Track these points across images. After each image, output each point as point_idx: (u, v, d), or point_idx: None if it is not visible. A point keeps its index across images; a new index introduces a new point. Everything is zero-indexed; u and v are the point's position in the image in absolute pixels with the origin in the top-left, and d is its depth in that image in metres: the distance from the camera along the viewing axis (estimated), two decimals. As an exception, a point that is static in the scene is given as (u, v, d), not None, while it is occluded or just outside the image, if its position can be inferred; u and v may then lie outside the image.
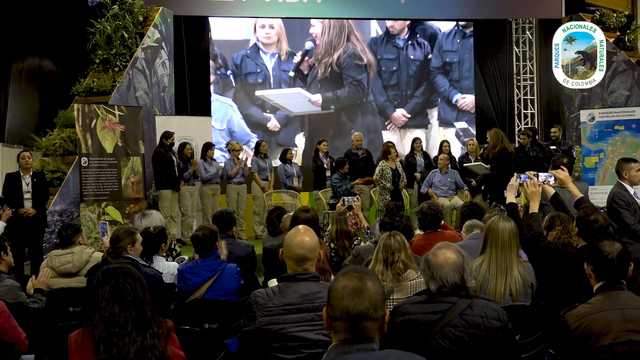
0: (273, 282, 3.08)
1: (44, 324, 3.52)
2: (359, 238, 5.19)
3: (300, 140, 11.61)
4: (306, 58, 11.51)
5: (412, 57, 11.92)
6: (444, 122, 12.12)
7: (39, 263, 5.86)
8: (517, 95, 12.72)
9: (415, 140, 9.89)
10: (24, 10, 9.54)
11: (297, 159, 10.93)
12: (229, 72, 11.26)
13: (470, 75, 12.22)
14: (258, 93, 11.31)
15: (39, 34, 9.89)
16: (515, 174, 4.17)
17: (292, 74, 11.43)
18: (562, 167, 4.45)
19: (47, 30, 9.87)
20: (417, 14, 11.55)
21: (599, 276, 2.62)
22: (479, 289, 3.26)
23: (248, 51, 11.26)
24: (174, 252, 5.01)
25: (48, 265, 4.44)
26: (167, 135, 8.42)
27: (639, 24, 11.28)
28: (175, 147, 8.61)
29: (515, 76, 12.76)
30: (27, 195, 6.81)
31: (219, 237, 4.28)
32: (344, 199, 6.31)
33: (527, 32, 12.67)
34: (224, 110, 11.24)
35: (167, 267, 4.40)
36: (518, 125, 12.60)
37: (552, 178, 4.21)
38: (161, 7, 9.72)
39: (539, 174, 4.20)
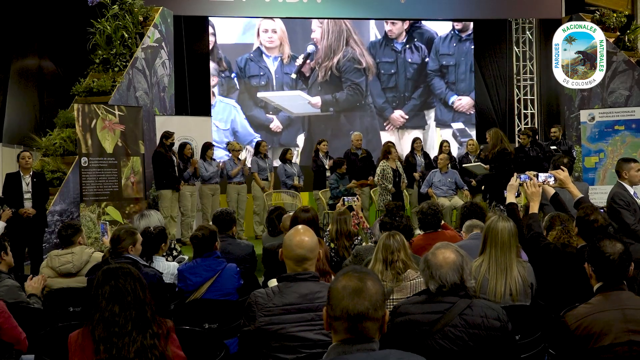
0: (273, 282, 3.08)
1: (44, 324, 3.52)
2: (359, 238, 5.19)
3: (300, 140, 11.71)
4: (308, 61, 11.60)
5: (409, 60, 12.17)
6: (441, 123, 12.34)
7: (39, 263, 5.86)
8: (517, 95, 12.73)
9: (415, 141, 9.90)
10: (24, 10, 9.53)
11: (297, 159, 10.99)
12: (233, 74, 11.44)
13: (466, 78, 12.38)
14: (260, 95, 11.49)
15: (39, 34, 9.88)
16: (515, 174, 4.17)
17: (294, 76, 11.60)
18: (562, 167, 4.45)
19: (47, 30, 9.87)
20: (417, 14, 11.60)
21: (600, 276, 2.61)
22: (479, 289, 3.26)
23: (251, 55, 11.48)
24: (174, 252, 5.01)
25: (48, 265, 4.44)
26: (167, 135, 8.42)
27: (639, 24, 11.28)
28: (175, 147, 8.61)
29: (515, 76, 12.76)
30: (27, 195, 6.81)
31: (219, 237, 4.28)
32: (344, 199, 6.31)
33: (527, 32, 12.67)
34: (228, 110, 11.42)
35: (167, 267, 4.41)
36: (518, 125, 12.60)
37: (552, 178, 4.20)
38: (161, 7, 9.72)
39: (539, 174, 4.19)
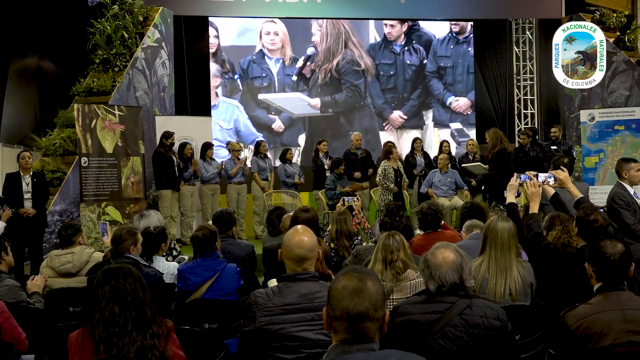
0: (273, 282, 3.07)
1: (44, 324, 3.52)
2: (359, 238, 5.19)
3: (301, 140, 11.78)
4: (308, 63, 11.68)
5: (408, 62, 12.28)
6: (439, 123, 12.45)
7: (39, 263, 5.86)
8: (517, 95, 12.73)
9: (416, 141, 9.91)
10: (24, 10, 9.54)
11: (298, 159, 11.03)
12: (236, 76, 11.53)
13: (464, 79, 12.45)
14: (261, 96, 11.61)
15: (39, 34, 9.89)
16: (515, 174, 4.17)
17: (295, 78, 11.70)
18: (562, 167, 4.45)
19: (47, 30, 9.87)
20: (417, 14, 11.62)
21: (600, 276, 2.60)
22: (479, 289, 3.26)
23: (254, 57, 11.60)
24: (174, 252, 5.01)
25: (48, 265, 4.44)
26: (167, 135, 8.42)
27: (639, 24, 11.28)
28: (175, 147, 8.61)
29: (515, 76, 12.77)
30: (27, 195, 6.81)
31: (219, 237, 4.28)
32: (344, 199, 6.30)
33: (527, 32, 12.67)
34: (231, 110, 11.52)
35: (167, 267, 4.40)
36: (518, 125, 12.61)
37: (552, 178, 4.20)
38: (161, 7, 9.72)
39: (539, 174, 4.19)
